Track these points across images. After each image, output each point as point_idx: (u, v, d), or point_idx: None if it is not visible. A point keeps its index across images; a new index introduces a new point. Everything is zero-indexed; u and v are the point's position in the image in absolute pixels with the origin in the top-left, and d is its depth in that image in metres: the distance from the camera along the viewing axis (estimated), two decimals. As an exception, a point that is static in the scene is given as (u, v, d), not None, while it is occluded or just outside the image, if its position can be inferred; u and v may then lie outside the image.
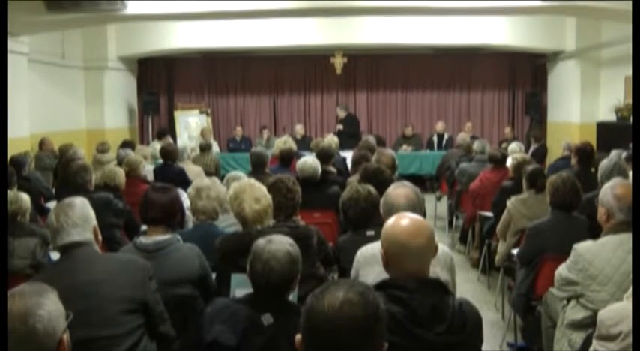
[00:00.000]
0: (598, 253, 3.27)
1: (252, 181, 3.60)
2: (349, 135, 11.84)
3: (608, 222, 3.35)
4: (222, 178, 5.17)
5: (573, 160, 6.45)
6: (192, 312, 3.02)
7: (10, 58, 7.79)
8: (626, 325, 2.30)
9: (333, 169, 6.57)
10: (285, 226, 3.41)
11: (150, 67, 13.88)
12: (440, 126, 12.76)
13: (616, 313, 2.39)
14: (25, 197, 4.56)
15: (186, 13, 8.98)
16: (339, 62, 12.86)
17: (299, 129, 12.69)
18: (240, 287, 2.82)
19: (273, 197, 3.55)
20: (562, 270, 3.44)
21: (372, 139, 8.09)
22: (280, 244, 2.49)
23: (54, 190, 7.27)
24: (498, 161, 6.82)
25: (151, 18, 9.86)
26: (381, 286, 2.17)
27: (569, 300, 3.44)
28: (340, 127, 12.19)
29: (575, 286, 3.32)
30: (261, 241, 2.51)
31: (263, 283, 2.43)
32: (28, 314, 1.76)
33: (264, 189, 3.52)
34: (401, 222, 2.28)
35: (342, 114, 12.52)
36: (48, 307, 1.80)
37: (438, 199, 9.52)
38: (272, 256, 2.43)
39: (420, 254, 2.22)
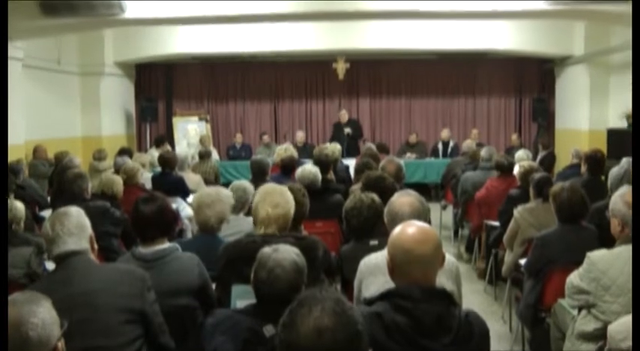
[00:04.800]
0: (612, 263, 3.24)
1: (284, 188, 3.62)
2: (355, 137, 12.07)
3: (623, 231, 3.31)
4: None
5: (583, 168, 6.45)
6: (191, 323, 3.02)
7: (5, 63, 7.83)
8: (637, 339, 2.29)
9: (332, 177, 6.60)
10: (291, 236, 3.42)
11: (148, 72, 13.93)
12: (445, 133, 12.79)
13: (626, 327, 2.38)
14: (20, 205, 4.58)
15: (185, 18, 9.02)
16: (341, 68, 12.88)
17: (300, 136, 12.71)
18: (242, 298, 2.82)
19: None
20: (574, 278, 3.42)
21: (372, 147, 8.09)
22: (287, 253, 2.50)
23: (49, 199, 7.29)
24: (505, 169, 6.82)
25: (149, 22, 9.89)
26: (385, 295, 2.18)
27: (580, 310, 3.43)
28: (349, 130, 12.20)
29: (586, 296, 3.30)
30: (267, 250, 2.53)
31: (267, 292, 2.43)
32: (21, 322, 1.80)
33: (288, 196, 3.53)
34: (408, 229, 2.30)
35: (345, 117, 12.58)
36: (41, 315, 1.83)
37: (444, 208, 9.52)
38: (278, 264, 2.44)
39: (425, 262, 2.23)
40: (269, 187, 3.60)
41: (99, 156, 9.34)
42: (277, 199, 3.44)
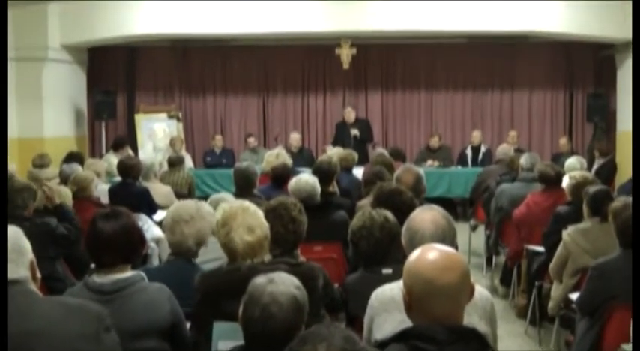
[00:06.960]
0: None
1: (247, 204, 3.62)
2: (363, 141, 12.16)
3: None
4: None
5: (653, 180, 6.47)
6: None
7: None
8: None
9: (335, 189, 6.62)
10: (284, 262, 3.43)
11: (104, 58, 13.93)
12: (475, 136, 12.82)
13: None
14: None
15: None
16: (346, 54, 12.88)
17: (295, 139, 12.71)
18: (225, 339, 2.83)
19: (270, 226, 3.59)
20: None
21: (385, 153, 8.09)
22: (284, 285, 2.52)
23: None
24: (551, 181, 6.84)
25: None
26: (401, 336, 2.18)
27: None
28: (356, 132, 12.22)
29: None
30: (261, 280, 2.54)
31: (259, 333, 2.45)
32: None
33: (260, 214, 3.54)
34: (428, 253, 2.31)
35: (353, 115, 12.63)
36: None
37: (473, 228, 9.53)
38: (274, 300, 2.46)
39: (451, 295, 2.24)
40: (225, 208, 3.60)
41: (40, 162, 9.34)
42: (248, 219, 3.45)
